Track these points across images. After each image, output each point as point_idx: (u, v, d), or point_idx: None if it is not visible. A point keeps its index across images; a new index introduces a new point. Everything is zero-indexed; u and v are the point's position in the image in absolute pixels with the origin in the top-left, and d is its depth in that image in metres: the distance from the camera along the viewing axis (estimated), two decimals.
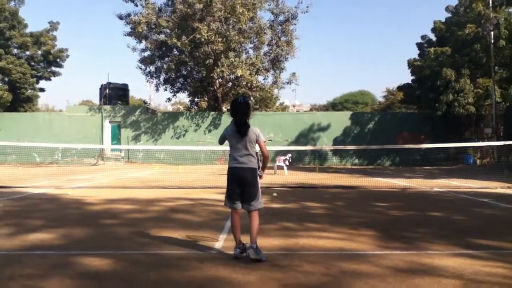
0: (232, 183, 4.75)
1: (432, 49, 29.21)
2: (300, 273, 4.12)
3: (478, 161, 28.83)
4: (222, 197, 5.07)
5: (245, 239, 4.79)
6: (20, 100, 34.62)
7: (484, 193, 11.40)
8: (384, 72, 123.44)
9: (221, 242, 5.43)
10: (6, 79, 32.08)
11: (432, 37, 32.93)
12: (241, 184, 4.70)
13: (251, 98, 32.27)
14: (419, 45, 33.75)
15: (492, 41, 26.04)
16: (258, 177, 4.76)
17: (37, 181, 14.80)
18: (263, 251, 4.69)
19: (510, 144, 15.01)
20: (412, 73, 32.39)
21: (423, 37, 33.62)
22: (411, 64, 31.82)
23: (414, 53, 38.33)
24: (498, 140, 24.30)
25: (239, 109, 4.79)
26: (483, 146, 25.92)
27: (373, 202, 9.60)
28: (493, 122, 27.24)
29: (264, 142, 4.86)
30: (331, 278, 3.99)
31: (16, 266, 4.33)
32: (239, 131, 4.73)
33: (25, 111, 35.79)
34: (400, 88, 35.99)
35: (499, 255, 4.81)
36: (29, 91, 35.33)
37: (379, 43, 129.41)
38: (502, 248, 5.23)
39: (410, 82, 33.79)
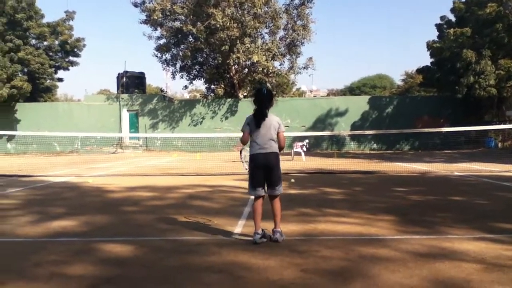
0: (257, 169, 4.82)
1: (451, 30, 28.53)
2: (319, 258, 4.12)
3: (499, 144, 28.33)
4: (240, 183, 5.11)
5: (264, 225, 4.83)
6: (39, 90, 35.10)
7: (506, 177, 11.21)
8: (403, 55, 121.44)
9: (240, 228, 5.47)
10: (26, 69, 32.53)
11: (452, 17, 32.13)
12: (266, 169, 4.78)
13: (268, 84, 32.13)
14: (438, 27, 33.00)
15: None
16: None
17: (58, 170, 15.07)
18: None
19: None
20: (431, 55, 31.76)
21: (442, 17, 32.83)
22: (430, 46, 31.20)
23: (433, 35, 37.67)
24: None
25: (261, 99, 4.85)
26: (505, 128, 25.41)
27: (392, 187, 9.53)
28: None
29: (283, 132, 4.92)
30: (350, 262, 3.99)
31: (41, 253, 4.43)
32: (259, 120, 4.80)
33: (45, 101, 36.31)
34: (419, 71, 35.37)
35: None
36: (48, 81, 35.75)
37: (397, 25, 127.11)
38: None
39: (429, 64, 33.14)
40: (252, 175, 4.87)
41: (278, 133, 4.85)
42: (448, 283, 3.41)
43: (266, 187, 4.85)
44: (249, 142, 4.92)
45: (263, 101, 4.84)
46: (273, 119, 4.85)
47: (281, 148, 4.91)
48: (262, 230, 4.76)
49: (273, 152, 4.81)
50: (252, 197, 4.95)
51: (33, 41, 34.33)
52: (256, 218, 4.78)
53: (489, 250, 4.29)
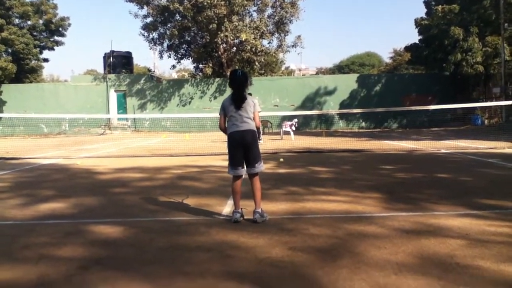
0: (234, 148, 4.86)
1: (439, 7, 28.49)
2: (307, 236, 4.19)
3: (486, 122, 28.65)
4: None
5: (244, 204, 4.88)
6: (24, 71, 34.51)
7: (491, 154, 11.38)
8: (391, 32, 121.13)
9: (229, 207, 5.50)
10: (10, 50, 31.90)
11: None
12: (243, 147, 4.82)
13: (256, 63, 31.95)
14: (426, 3, 32.92)
15: None
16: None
17: (46, 152, 14.96)
18: (270, 215, 4.90)
19: None
20: (420, 32, 31.78)
21: None
22: (418, 23, 31.19)
23: (422, 12, 37.53)
24: (506, 99, 24.00)
25: (237, 81, 4.85)
26: (491, 106, 25.67)
27: (380, 165, 9.63)
28: (502, 81, 26.84)
29: (259, 112, 4.96)
30: (337, 240, 4.06)
31: (30, 235, 4.43)
32: (236, 101, 4.83)
33: (30, 82, 35.76)
34: (407, 48, 35.38)
35: (504, 215, 4.85)
36: (33, 61, 35.14)
37: (385, 2, 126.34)
38: (508, 207, 5.26)
39: (417, 42, 33.17)
40: (230, 154, 4.92)
41: (253, 113, 4.89)
42: (433, 258, 3.49)
43: (245, 166, 4.90)
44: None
45: (240, 84, 4.85)
46: (249, 99, 4.89)
47: (256, 127, 4.94)
48: (241, 209, 4.85)
49: (249, 130, 4.84)
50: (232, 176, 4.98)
51: (17, 21, 33.62)
52: (236, 197, 4.86)
53: (473, 226, 4.39)
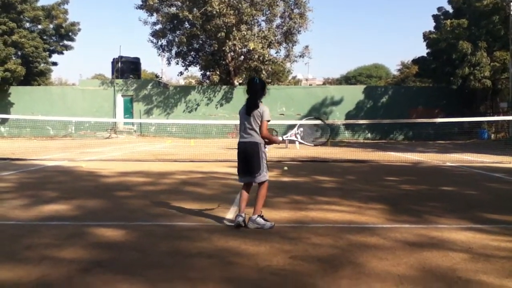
0: (238, 157, 5.04)
1: (448, 21, 28.54)
2: (309, 245, 4.17)
3: (492, 136, 28.50)
4: (234, 170, 5.15)
5: (249, 212, 4.89)
6: (33, 74, 34.82)
7: (497, 168, 11.31)
8: (399, 45, 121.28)
9: (231, 214, 5.50)
10: (19, 53, 32.22)
11: (449, 8, 32.15)
12: (245, 158, 4.95)
13: (263, 72, 32.05)
14: (435, 17, 32.98)
15: None
16: (261, 152, 4.89)
17: (51, 154, 15.04)
18: (273, 223, 4.91)
19: None
20: (428, 46, 31.79)
21: (439, 8, 32.85)
22: (426, 36, 31.22)
23: (430, 26, 37.58)
24: None
25: (252, 89, 4.94)
26: (498, 120, 25.56)
27: (384, 176, 9.60)
28: (509, 96, 26.74)
29: (267, 121, 4.90)
30: (339, 250, 4.04)
31: (33, 236, 4.45)
32: (247, 109, 4.91)
33: (39, 85, 36.05)
34: (415, 61, 35.41)
35: (508, 230, 4.80)
36: (42, 65, 35.46)
37: (394, 15, 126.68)
38: None
39: (425, 55, 33.18)
40: (238, 162, 5.07)
41: (261, 122, 4.86)
42: (435, 271, 3.46)
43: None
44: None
45: (255, 90, 4.92)
46: (260, 107, 4.86)
47: (262, 137, 4.91)
48: (244, 214, 4.88)
49: (251, 142, 4.89)
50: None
51: (27, 25, 33.99)
52: (241, 202, 4.94)
53: (476, 240, 4.35)
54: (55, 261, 3.65)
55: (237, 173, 5.11)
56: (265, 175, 4.95)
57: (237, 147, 5.07)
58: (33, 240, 4.30)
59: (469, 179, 9.42)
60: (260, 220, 4.84)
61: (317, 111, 31.68)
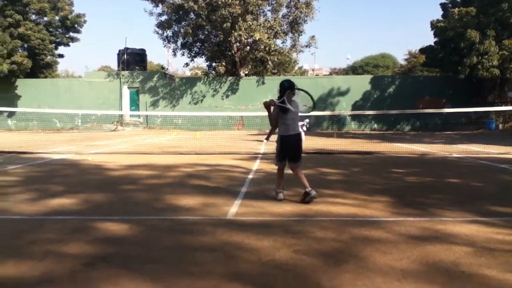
0: (287, 146, 6.00)
1: (456, 10, 28.15)
2: (312, 239, 4.17)
3: (500, 126, 28.26)
4: (239, 162, 5.22)
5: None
6: (39, 67, 34.94)
7: (504, 159, 11.22)
8: (407, 34, 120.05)
9: (236, 207, 5.51)
10: (26, 45, 32.31)
11: None
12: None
13: (269, 63, 31.93)
14: (443, 6, 32.56)
15: None
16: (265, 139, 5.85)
17: (58, 147, 15.13)
18: (276, 217, 4.97)
19: None
20: (435, 35, 31.42)
21: None
22: (434, 25, 30.85)
23: (438, 14, 37.14)
24: None
25: (282, 89, 5.86)
26: (506, 110, 25.32)
27: (390, 168, 9.56)
28: None
29: (275, 105, 5.89)
30: (342, 244, 4.04)
31: (38, 231, 4.49)
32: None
33: (45, 77, 36.18)
34: (422, 50, 35.06)
35: None
36: (48, 57, 35.55)
37: (402, 4, 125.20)
38: None
39: (432, 44, 32.81)
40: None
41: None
42: (438, 265, 3.46)
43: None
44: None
45: (282, 91, 5.88)
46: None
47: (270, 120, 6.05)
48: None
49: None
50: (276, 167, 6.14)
51: (33, 17, 34.03)
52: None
53: (480, 233, 4.33)
54: (59, 256, 3.68)
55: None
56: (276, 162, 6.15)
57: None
58: (38, 235, 4.34)
59: (475, 170, 9.36)
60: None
61: (323, 101, 31.53)
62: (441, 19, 31.52)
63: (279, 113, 5.82)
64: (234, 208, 5.48)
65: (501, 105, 27.23)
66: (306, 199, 5.68)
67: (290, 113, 5.81)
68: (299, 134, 6.00)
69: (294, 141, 5.88)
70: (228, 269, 3.40)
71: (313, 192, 5.65)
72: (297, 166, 5.94)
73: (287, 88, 5.80)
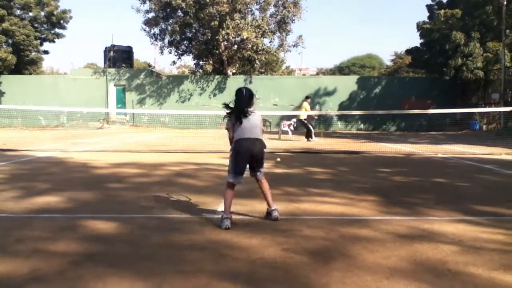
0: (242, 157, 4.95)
1: (442, 11, 28.50)
2: (301, 238, 4.19)
3: (484, 127, 28.67)
4: (227, 161, 5.15)
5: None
6: (24, 63, 34.39)
7: (488, 160, 11.40)
8: (393, 35, 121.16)
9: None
10: (10, 41, 31.78)
11: None
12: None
13: (257, 62, 31.91)
14: (429, 7, 32.92)
15: (505, 2, 25.28)
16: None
17: (43, 145, 14.94)
18: (265, 215, 4.97)
19: None
20: (421, 36, 31.75)
21: None
22: (420, 26, 31.18)
23: (424, 16, 37.54)
24: (505, 106, 24.02)
25: (239, 99, 4.90)
26: (489, 112, 25.70)
27: (377, 168, 9.64)
28: (501, 87, 26.84)
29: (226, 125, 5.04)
30: (331, 242, 4.07)
31: (24, 229, 4.43)
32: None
33: (30, 73, 35.65)
34: (408, 51, 35.40)
35: (499, 222, 4.86)
36: (33, 53, 35.02)
37: (388, 5, 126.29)
38: (502, 214, 5.28)
39: (418, 45, 33.16)
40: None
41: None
42: (425, 264, 3.50)
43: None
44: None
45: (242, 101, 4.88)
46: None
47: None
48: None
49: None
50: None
51: (18, 12, 33.46)
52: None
53: (467, 232, 4.39)
54: (47, 254, 3.64)
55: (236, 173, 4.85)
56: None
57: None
58: (25, 232, 4.28)
59: (461, 170, 9.49)
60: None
61: (310, 101, 31.56)
62: (427, 20, 31.89)
63: (235, 124, 4.88)
64: (222, 207, 5.46)
65: (485, 107, 27.64)
66: (267, 217, 4.94)
67: (245, 121, 4.81)
68: (259, 139, 4.89)
69: (253, 144, 4.81)
70: (217, 268, 3.40)
71: (275, 214, 4.85)
72: (261, 173, 4.99)
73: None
